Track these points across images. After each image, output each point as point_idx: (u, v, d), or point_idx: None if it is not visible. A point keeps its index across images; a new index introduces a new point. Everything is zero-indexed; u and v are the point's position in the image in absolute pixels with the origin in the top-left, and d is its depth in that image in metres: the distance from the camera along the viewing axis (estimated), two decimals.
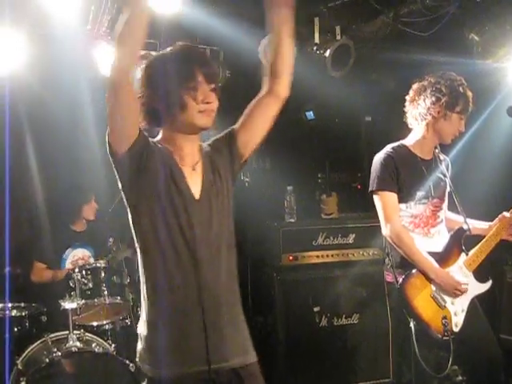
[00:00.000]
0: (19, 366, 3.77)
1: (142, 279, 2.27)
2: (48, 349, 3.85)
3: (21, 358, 3.82)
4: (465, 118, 3.46)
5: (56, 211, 4.98)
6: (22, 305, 4.22)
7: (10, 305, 4.12)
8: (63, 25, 4.10)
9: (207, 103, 2.23)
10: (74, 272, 4.03)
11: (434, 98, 3.41)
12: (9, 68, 4.22)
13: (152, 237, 2.22)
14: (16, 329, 4.09)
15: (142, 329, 2.27)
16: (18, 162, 4.71)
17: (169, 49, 2.34)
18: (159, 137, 2.36)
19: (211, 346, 2.18)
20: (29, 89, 4.32)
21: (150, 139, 2.29)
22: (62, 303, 3.94)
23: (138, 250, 2.29)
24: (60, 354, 3.71)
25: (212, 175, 2.35)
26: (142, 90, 2.26)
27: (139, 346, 2.27)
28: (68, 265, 4.74)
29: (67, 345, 3.78)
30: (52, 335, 3.95)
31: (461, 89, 3.40)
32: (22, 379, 3.65)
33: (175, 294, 2.20)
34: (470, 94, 3.43)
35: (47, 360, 3.71)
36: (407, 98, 3.55)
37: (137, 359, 2.27)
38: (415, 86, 3.51)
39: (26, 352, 3.88)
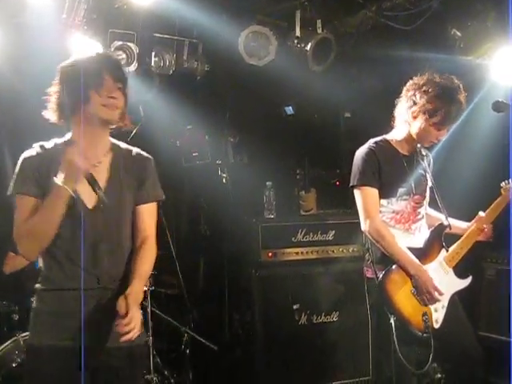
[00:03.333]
0: None
1: None
2: (19, 348, 3.76)
3: None
4: (444, 128, 3.40)
5: None
6: None
7: None
8: (38, 13, 4.00)
9: (111, 98, 2.44)
10: None
11: (411, 102, 3.38)
12: None
13: None
14: None
15: None
16: None
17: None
18: (67, 135, 2.57)
19: None
20: (1, 77, 4.19)
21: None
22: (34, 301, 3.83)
23: None
24: None
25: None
26: (56, 87, 2.51)
27: None
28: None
29: None
30: (24, 334, 3.83)
31: (448, 99, 3.30)
32: None
33: None
34: (459, 105, 3.33)
35: (19, 360, 3.66)
36: None
37: None
38: (408, 83, 3.46)
39: None
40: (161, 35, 4.77)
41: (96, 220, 2.47)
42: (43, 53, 4.07)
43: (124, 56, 4.67)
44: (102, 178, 2.51)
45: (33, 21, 3.96)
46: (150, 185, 2.63)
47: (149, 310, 4.36)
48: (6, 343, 3.83)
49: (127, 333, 2.33)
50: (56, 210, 2.34)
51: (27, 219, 2.38)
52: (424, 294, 3.29)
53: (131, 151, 2.66)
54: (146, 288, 4.30)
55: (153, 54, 4.78)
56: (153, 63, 4.81)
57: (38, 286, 2.53)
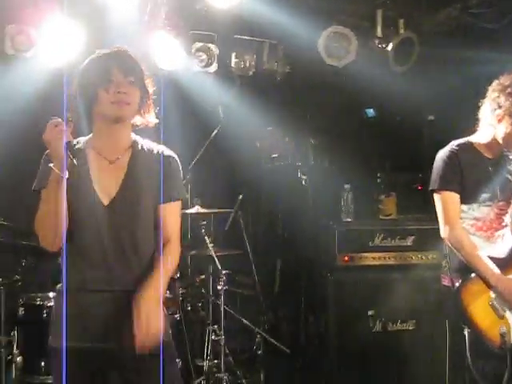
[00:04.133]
0: None
1: None
2: None
3: None
4: None
5: None
6: None
7: None
8: (121, 15, 4.12)
9: (119, 93, 2.35)
10: None
11: (495, 105, 3.21)
12: (66, 58, 4.26)
13: None
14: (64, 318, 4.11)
15: None
16: None
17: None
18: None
19: None
20: None
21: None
22: None
23: None
24: None
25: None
26: (73, 90, 2.45)
27: None
28: None
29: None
30: None
31: None
32: None
33: None
34: None
35: None
36: None
37: None
38: (493, 83, 3.30)
39: None
40: (241, 36, 4.82)
41: (110, 217, 2.40)
42: None
43: (204, 57, 4.75)
44: (118, 175, 2.44)
45: (116, 23, 4.08)
46: (172, 183, 2.52)
47: (221, 308, 4.39)
48: None
49: (142, 339, 2.27)
50: (51, 195, 2.28)
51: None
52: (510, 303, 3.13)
53: (153, 149, 2.55)
54: (220, 288, 4.33)
55: (233, 55, 4.84)
56: (233, 64, 4.86)
57: (58, 286, 2.47)
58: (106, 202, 2.41)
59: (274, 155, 5.63)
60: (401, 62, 4.60)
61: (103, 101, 2.36)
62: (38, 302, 4.10)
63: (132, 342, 2.29)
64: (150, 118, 2.56)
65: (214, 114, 5.03)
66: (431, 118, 5.57)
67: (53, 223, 2.30)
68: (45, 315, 4.03)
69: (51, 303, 4.08)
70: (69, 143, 2.25)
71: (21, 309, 4.06)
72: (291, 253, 5.57)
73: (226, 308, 4.51)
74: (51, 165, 2.26)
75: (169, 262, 2.47)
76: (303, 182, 5.37)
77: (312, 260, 5.18)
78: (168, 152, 2.56)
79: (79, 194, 2.37)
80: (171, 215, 2.52)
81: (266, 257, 5.67)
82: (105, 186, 2.42)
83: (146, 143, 2.56)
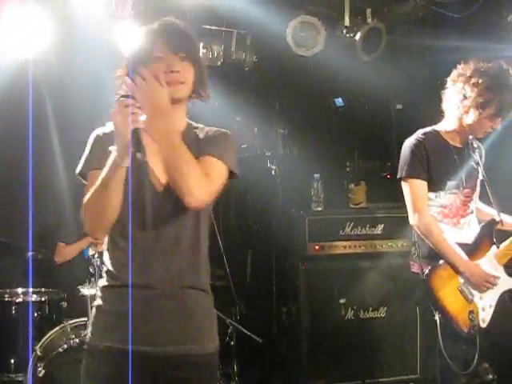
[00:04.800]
0: (38, 352, 3.77)
1: None
2: (66, 335, 3.84)
3: (40, 344, 3.81)
4: (499, 118, 3.26)
5: (80, 195, 4.94)
6: (43, 290, 4.21)
7: (31, 290, 4.11)
8: (87, 6, 4.05)
9: (172, 72, 2.13)
10: (93, 258, 3.97)
11: (461, 96, 3.24)
12: (33, 50, 4.17)
13: None
14: (36, 314, 4.07)
15: None
16: (41, 145, 4.67)
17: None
18: None
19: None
20: (51, 71, 4.27)
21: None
22: (81, 289, 3.92)
23: None
24: (78, 340, 3.72)
25: None
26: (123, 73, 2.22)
27: None
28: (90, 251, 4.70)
29: (85, 331, 3.74)
30: (71, 321, 3.93)
31: (500, 88, 3.16)
32: (39, 365, 3.69)
33: None
34: None
35: (65, 346, 3.73)
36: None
37: None
38: (452, 74, 3.33)
39: (45, 338, 3.87)
40: (209, 27, 4.77)
41: (163, 205, 2.16)
42: (92, 45, 4.14)
43: None
44: None
45: (82, 13, 4.02)
46: (229, 157, 2.25)
47: None
48: (55, 329, 3.92)
49: None
50: (105, 180, 2.03)
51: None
52: (480, 287, 3.20)
53: (207, 129, 2.33)
54: None
55: (201, 45, 4.78)
56: (201, 55, 4.80)
57: (101, 281, 2.27)
58: (159, 187, 2.17)
59: (243, 146, 5.61)
60: (369, 51, 4.62)
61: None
62: (7, 299, 4.04)
63: (176, 347, 2.12)
64: (206, 95, 2.30)
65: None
66: (399, 106, 5.62)
67: (101, 208, 2.07)
68: (13, 312, 3.98)
69: (20, 299, 4.04)
70: (137, 131, 1.99)
71: None
72: (262, 243, 5.57)
73: None
74: (112, 148, 2.01)
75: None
76: (273, 172, 5.36)
77: (283, 250, 5.18)
78: (222, 130, 2.34)
79: (134, 180, 2.11)
80: (212, 164, 2.20)
81: (237, 247, 5.66)
82: (158, 171, 2.16)
83: (200, 126, 2.34)
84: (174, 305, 2.16)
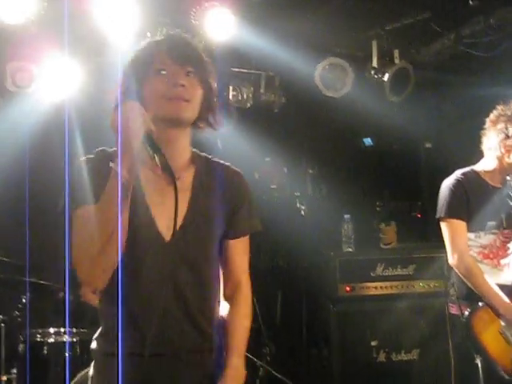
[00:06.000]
0: None
1: None
2: None
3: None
4: None
5: None
6: (74, 330, 4.21)
7: (62, 330, 4.12)
8: (120, 52, 4.15)
9: (175, 86, 1.80)
10: None
11: (502, 135, 3.25)
12: (66, 93, 4.31)
13: None
14: (67, 354, 4.07)
15: None
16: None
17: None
18: None
19: None
20: (84, 114, 4.37)
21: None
22: None
23: None
24: None
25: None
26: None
27: None
28: None
29: None
30: None
31: None
32: None
33: None
34: None
35: None
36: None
37: None
38: (491, 115, 3.34)
39: (77, 378, 3.85)
40: (238, 69, 4.85)
41: (171, 258, 1.83)
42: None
43: None
44: (182, 201, 1.84)
45: (114, 60, 4.12)
46: (246, 212, 1.96)
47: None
48: (85, 370, 3.90)
49: None
50: (106, 209, 1.67)
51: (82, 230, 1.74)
52: None
53: (220, 164, 2.00)
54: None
55: (230, 88, 4.86)
56: (230, 97, 4.89)
57: (92, 346, 1.92)
58: (167, 237, 1.82)
59: (272, 186, 5.63)
60: (397, 91, 4.64)
61: (157, 97, 1.80)
62: (39, 339, 4.05)
63: None
64: (216, 123, 1.97)
65: (212, 146, 5.04)
66: (428, 145, 5.61)
67: (102, 251, 1.69)
68: (45, 352, 3.99)
69: (52, 339, 4.06)
70: (150, 134, 1.70)
71: (21, 346, 4.02)
72: (292, 284, 5.54)
73: None
74: (114, 165, 1.66)
75: (245, 318, 1.98)
76: (302, 213, 5.36)
77: (313, 291, 5.14)
78: (235, 168, 2.04)
79: (132, 226, 1.76)
80: (242, 252, 2.00)
81: (267, 289, 5.63)
82: (164, 215, 1.82)
83: (206, 156, 2.01)
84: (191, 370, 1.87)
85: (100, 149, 1.89)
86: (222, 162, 2.02)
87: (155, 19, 3.98)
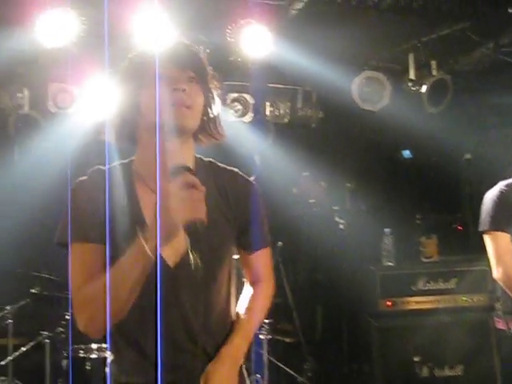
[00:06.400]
0: None
1: None
2: None
3: None
4: None
5: None
6: None
7: (104, 345, 4.16)
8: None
9: (175, 90, 1.66)
10: None
11: None
12: (106, 113, 4.38)
13: None
14: (107, 370, 4.10)
15: None
16: None
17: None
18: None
19: None
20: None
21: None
22: None
23: None
24: None
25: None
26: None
27: None
28: None
29: None
30: None
31: None
32: None
33: None
34: None
35: None
36: None
37: None
38: None
39: None
40: (275, 85, 4.88)
41: (178, 287, 1.70)
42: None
43: (240, 107, 4.82)
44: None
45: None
46: (258, 226, 1.85)
47: (265, 358, 4.33)
48: None
49: None
50: (132, 274, 1.57)
51: (89, 279, 1.63)
52: None
53: (229, 171, 1.86)
54: (263, 337, 4.29)
55: (267, 103, 4.90)
56: (268, 113, 4.93)
57: (107, 369, 1.87)
58: (171, 262, 1.68)
59: (310, 201, 5.62)
60: (435, 103, 4.60)
61: (151, 104, 1.64)
62: (82, 354, 4.11)
63: None
64: (218, 133, 1.82)
65: (250, 162, 5.07)
66: (468, 156, 5.52)
67: (118, 305, 1.59)
68: (88, 367, 4.03)
69: (94, 355, 4.11)
70: (197, 225, 1.57)
71: (65, 361, 4.08)
72: (332, 299, 5.50)
73: (269, 357, 4.44)
74: (143, 243, 1.54)
75: (257, 309, 1.88)
76: (341, 227, 5.34)
77: (353, 306, 5.09)
78: (246, 177, 1.88)
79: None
80: (264, 261, 1.92)
81: (307, 303, 5.61)
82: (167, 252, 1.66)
83: (211, 162, 1.88)
84: None
85: (95, 168, 1.77)
86: (230, 168, 1.88)
87: (191, 37, 4.03)
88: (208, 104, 1.77)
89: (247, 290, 1.92)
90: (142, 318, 1.68)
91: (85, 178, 1.75)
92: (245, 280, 1.95)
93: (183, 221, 1.53)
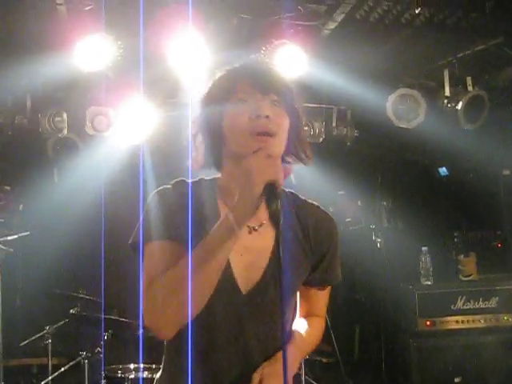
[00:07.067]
0: None
1: None
2: None
3: None
4: None
5: None
6: (154, 366, 4.26)
7: (142, 366, 4.18)
8: (191, 91, 4.28)
9: (258, 118, 1.56)
10: None
11: None
12: (141, 136, 4.47)
13: None
14: None
15: None
16: None
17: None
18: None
19: None
20: (160, 154, 4.52)
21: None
22: None
23: None
24: None
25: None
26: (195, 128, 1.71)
27: None
28: None
29: None
30: None
31: None
32: None
33: None
34: None
35: None
36: None
37: None
38: None
39: None
40: (309, 104, 4.89)
41: (249, 312, 1.64)
42: None
43: None
44: (263, 250, 1.66)
45: (188, 99, 4.24)
46: (332, 264, 1.77)
47: (303, 378, 4.29)
48: None
49: None
50: (210, 250, 1.50)
51: (165, 270, 1.55)
52: None
53: (309, 205, 1.79)
54: None
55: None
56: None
57: None
58: (244, 289, 1.63)
59: (347, 219, 5.60)
60: (471, 119, 4.54)
61: (238, 132, 1.57)
62: (120, 375, 4.13)
63: None
64: (307, 157, 1.72)
65: (286, 181, 5.08)
66: (506, 172, 5.43)
67: (199, 292, 1.52)
68: None
69: (132, 375, 4.13)
70: (274, 184, 1.49)
71: (103, 381, 4.11)
72: (370, 318, 5.44)
73: (307, 377, 4.41)
74: (229, 214, 1.49)
75: (316, 333, 1.83)
76: (378, 245, 5.29)
77: (392, 325, 5.04)
78: (326, 212, 1.80)
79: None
80: (323, 299, 1.86)
81: (345, 323, 5.56)
82: (243, 265, 1.63)
83: (292, 193, 1.81)
84: None
85: (179, 179, 1.71)
86: (311, 201, 1.81)
87: (226, 59, 4.08)
88: (294, 126, 1.66)
89: (300, 322, 1.84)
90: (197, 335, 1.59)
91: (169, 186, 1.70)
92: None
93: (263, 181, 1.47)
